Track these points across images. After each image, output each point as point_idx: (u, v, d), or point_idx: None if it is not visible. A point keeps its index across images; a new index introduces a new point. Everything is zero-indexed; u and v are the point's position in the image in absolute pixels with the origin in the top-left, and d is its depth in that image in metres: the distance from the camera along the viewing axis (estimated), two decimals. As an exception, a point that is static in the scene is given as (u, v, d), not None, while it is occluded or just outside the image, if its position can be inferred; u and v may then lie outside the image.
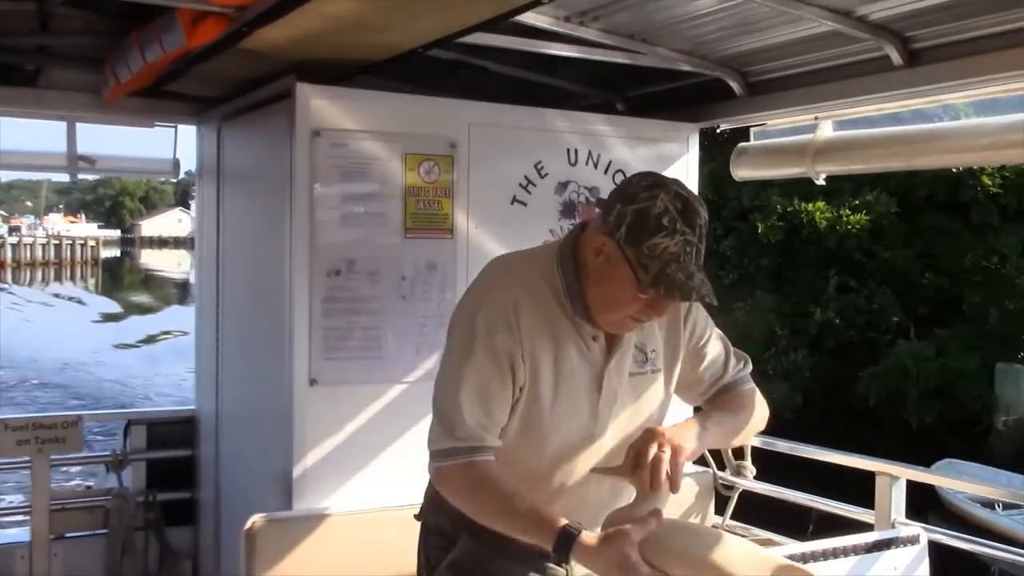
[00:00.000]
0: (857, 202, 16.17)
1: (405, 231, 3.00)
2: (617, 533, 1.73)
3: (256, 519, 2.73)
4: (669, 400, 2.11)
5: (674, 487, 1.82)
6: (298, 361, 2.87)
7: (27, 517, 3.61)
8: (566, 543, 1.74)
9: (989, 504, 10.90)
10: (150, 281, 59.02)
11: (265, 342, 3.14)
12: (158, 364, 24.40)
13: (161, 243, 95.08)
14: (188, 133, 4.00)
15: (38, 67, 3.54)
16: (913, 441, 13.32)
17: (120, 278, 61.08)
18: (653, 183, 1.83)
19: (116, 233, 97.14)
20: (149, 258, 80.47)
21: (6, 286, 52.15)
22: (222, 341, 3.65)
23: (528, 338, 1.88)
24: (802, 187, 15.67)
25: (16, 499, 6.06)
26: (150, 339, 30.55)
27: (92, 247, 74.80)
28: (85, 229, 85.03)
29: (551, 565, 1.98)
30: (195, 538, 3.86)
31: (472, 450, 1.86)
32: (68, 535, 3.70)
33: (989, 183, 15.22)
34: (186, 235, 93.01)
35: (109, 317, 38.33)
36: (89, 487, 4.13)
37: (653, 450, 1.81)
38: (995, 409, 13.62)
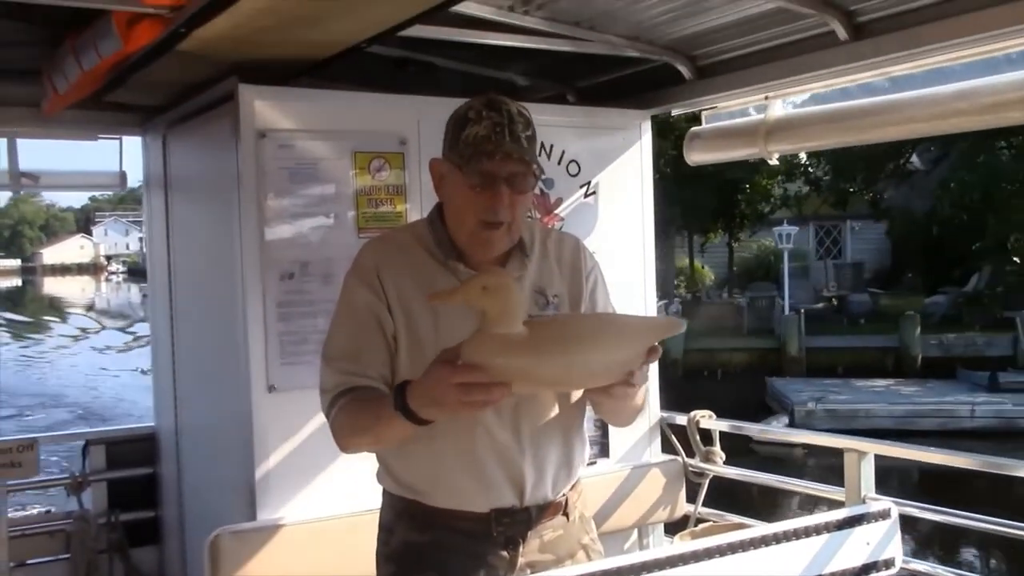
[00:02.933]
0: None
1: (358, 231, 2.95)
2: (440, 359, 1.68)
3: (219, 532, 2.68)
4: None
5: None
6: (255, 368, 2.81)
7: None
8: (401, 393, 1.72)
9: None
10: (55, 307, 58.34)
11: (221, 352, 3.07)
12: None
13: (64, 270, 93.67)
14: (135, 145, 3.93)
15: None
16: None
17: (23, 305, 59.68)
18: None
19: (16, 263, 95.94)
20: (52, 286, 78.50)
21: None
22: (178, 354, 3.57)
23: (394, 294, 1.93)
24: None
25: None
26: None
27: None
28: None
29: (501, 553, 1.94)
30: (160, 557, 3.77)
31: (342, 395, 1.89)
32: (30, 562, 3.60)
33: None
34: (88, 261, 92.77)
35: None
36: (49, 511, 4.03)
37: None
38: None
